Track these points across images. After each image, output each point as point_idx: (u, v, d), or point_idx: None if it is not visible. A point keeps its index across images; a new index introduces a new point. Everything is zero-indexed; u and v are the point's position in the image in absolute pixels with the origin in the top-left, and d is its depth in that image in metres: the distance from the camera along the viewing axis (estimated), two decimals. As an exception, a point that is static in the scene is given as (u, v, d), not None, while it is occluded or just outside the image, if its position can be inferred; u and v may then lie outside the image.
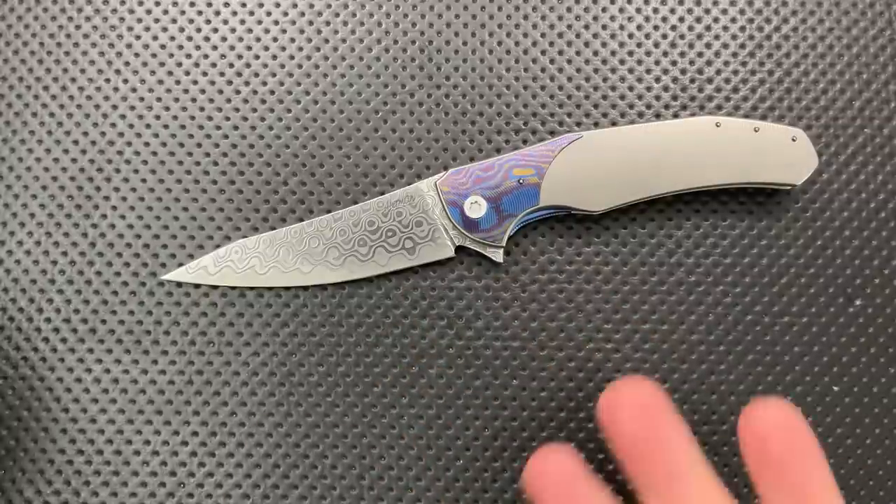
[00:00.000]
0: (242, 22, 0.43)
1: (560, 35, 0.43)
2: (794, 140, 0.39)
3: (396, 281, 0.40)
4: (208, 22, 0.43)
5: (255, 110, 0.42)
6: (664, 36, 0.43)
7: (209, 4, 0.43)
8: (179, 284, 0.40)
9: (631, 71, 0.42)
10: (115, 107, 0.42)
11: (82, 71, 0.42)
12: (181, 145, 0.41)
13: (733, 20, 0.43)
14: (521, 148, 0.41)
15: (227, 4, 0.43)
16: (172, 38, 0.42)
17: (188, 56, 0.42)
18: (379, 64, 0.42)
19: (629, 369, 0.39)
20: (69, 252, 0.40)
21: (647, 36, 0.43)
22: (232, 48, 0.42)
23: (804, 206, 0.41)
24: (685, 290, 0.40)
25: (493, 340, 0.40)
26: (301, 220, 0.41)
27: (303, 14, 0.43)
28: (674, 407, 0.32)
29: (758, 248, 0.41)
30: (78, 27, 0.42)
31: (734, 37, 0.43)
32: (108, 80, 0.42)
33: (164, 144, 0.41)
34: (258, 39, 0.42)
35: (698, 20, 0.43)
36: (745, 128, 0.39)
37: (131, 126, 0.41)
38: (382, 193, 0.41)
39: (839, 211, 0.41)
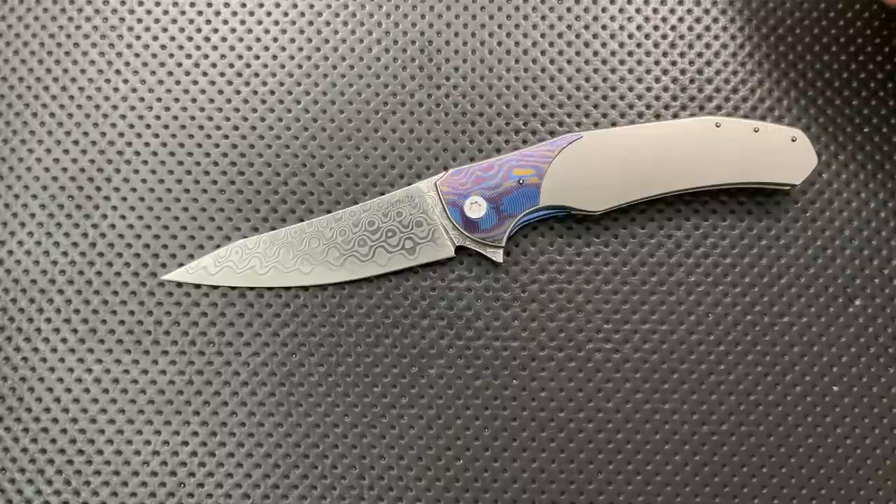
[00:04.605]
0: (242, 22, 0.43)
1: (560, 35, 0.43)
2: (793, 140, 0.39)
3: (396, 281, 0.40)
4: (208, 22, 0.43)
5: (255, 110, 0.42)
6: (664, 36, 0.43)
7: (209, 4, 0.43)
8: (179, 284, 0.40)
9: (631, 71, 0.42)
10: (115, 107, 0.42)
11: (82, 71, 0.42)
12: (181, 145, 0.41)
13: (733, 20, 0.43)
14: (521, 148, 0.41)
15: (227, 4, 0.43)
16: (172, 38, 0.42)
17: (188, 56, 0.42)
18: (379, 64, 0.42)
19: (629, 369, 0.39)
20: (69, 252, 0.40)
21: (647, 36, 0.43)
22: (232, 48, 0.42)
23: (804, 206, 0.41)
24: (685, 290, 0.40)
25: (493, 340, 0.40)
26: (301, 220, 0.41)
27: (303, 14, 0.43)
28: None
29: (758, 248, 0.41)
30: (78, 27, 0.42)
31: (734, 37, 0.43)
32: (108, 80, 0.42)
33: (164, 144, 0.41)
34: (258, 39, 0.42)
35: (698, 20, 0.43)
36: (745, 128, 0.39)
37: (131, 126, 0.41)
38: (382, 193, 0.41)
39: (839, 211, 0.41)
